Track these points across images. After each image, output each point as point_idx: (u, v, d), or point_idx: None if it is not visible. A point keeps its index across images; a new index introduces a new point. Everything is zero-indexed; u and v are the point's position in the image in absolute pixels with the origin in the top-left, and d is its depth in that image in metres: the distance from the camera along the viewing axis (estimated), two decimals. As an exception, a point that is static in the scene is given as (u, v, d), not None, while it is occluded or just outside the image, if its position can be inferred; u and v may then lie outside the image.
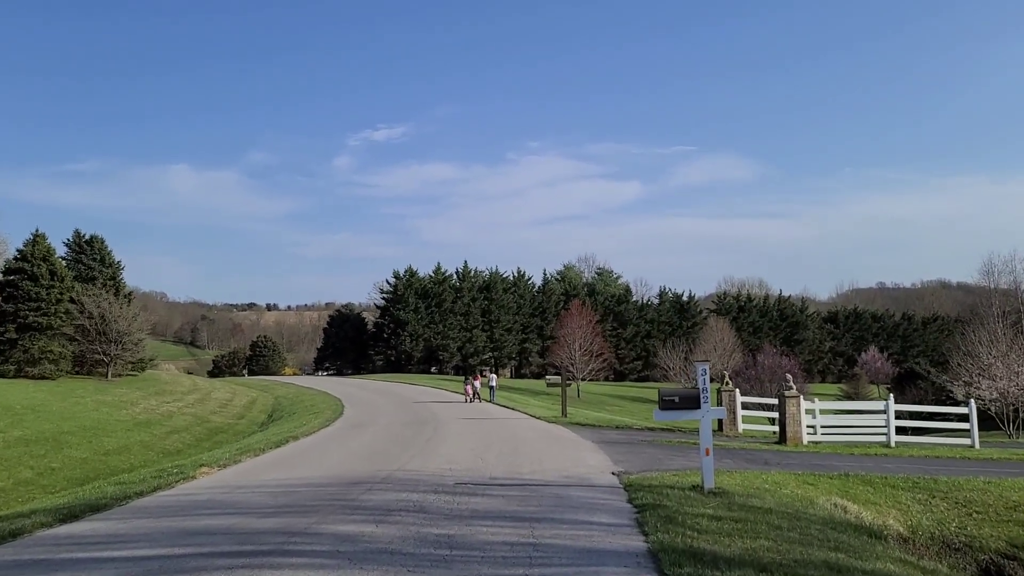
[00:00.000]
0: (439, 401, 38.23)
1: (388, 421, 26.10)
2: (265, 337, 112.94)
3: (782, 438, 20.48)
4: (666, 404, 11.00)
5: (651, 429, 24.44)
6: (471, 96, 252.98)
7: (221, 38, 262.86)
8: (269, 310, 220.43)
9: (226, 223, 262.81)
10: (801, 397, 20.63)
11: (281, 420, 37.25)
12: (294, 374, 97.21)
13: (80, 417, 34.04)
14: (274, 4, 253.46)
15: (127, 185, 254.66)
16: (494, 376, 42.14)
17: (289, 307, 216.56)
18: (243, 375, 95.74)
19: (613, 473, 12.98)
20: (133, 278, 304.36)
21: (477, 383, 39.11)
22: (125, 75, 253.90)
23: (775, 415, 29.07)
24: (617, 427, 24.84)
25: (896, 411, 21.28)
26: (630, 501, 9.82)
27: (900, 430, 21.50)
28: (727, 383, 24.32)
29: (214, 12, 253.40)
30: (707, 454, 10.92)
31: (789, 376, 21.02)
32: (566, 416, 27.57)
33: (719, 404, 24.63)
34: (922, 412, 28.00)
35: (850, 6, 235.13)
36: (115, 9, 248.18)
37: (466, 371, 71.82)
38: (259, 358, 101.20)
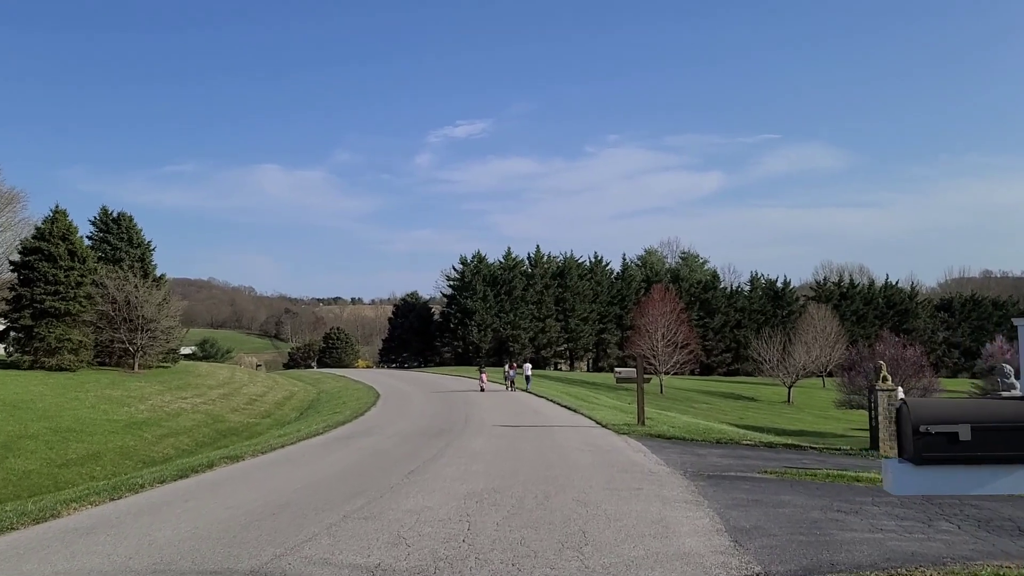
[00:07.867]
0: (486, 398, 31.70)
1: (400, 428, 19.42)
2: (338, 329, 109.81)
3: (998, 469, 12.50)
4: (934, 450, 3.56)
5: (769, 445, 16.76)
6: (550, 91, 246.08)
7: (308, 44, 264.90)
8: (353, 304, 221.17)
9: (314, 220, 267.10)
10: (1031, 403, 12.60)
11: (305, 419, 31.75)
12: (367, 367, 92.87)
13: (64, 416, 28.83)
14: (358, 11, 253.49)
15: (221, 185, 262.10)
16: (528, 365, 39.93)
17: (373, 301, 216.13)
18: (311, 367, 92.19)
19: (742, 588, 5.63)
20: (223, 274, 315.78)
21: (512, 372, 37.67)
22: (222, 79, 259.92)
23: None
24: (718, 441, 17.18)
25: None
26: None
27: None
28: (884, 378, 16.36)
29: (300, 19, 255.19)
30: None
31: (1008, 367, 12.96)
32: (643, 424, 19.99)
33: (874, 406, 16.71)
34: None
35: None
36: (208, 17, 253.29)
37: (482, 362, 68.53)
38: (332, 350, 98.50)
